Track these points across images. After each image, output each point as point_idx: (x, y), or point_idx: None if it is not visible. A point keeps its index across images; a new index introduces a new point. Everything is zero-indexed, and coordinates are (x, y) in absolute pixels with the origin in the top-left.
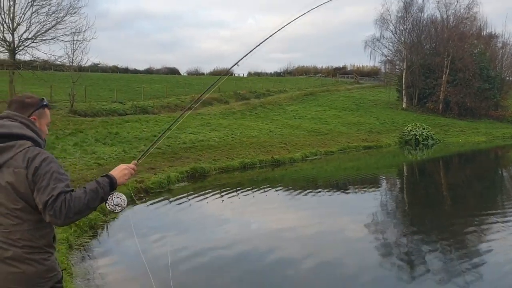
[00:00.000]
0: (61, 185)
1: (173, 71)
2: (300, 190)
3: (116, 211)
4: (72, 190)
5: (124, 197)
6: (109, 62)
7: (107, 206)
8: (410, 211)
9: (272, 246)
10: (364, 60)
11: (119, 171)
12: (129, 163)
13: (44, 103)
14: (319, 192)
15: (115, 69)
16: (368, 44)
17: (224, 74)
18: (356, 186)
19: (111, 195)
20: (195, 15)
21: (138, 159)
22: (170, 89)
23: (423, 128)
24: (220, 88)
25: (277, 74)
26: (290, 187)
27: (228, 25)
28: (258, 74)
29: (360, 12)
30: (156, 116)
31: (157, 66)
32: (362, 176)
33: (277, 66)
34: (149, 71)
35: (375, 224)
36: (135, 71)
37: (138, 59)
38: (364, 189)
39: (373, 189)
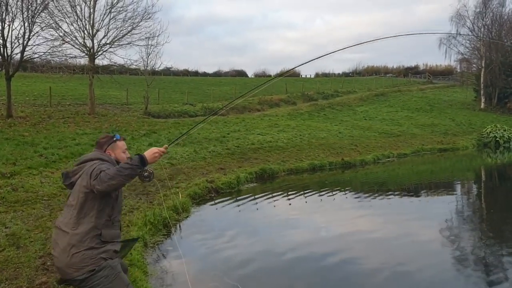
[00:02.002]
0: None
1: (241, 73)
2: (370, 194)
3: (146, 181)
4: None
5: (152, 171)
6: (180, 65)
7: (140, 177)
8: (489, 217)
9: (341, 251)
10: (437, 59)
11: (151, 153)
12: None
13: (114, 139)
14: (390, 196)
15: (185, 73)
16: (443, 42)
17: (279, 75)
18: (429, 191)
19: (143, 170)
20: (264, 17)
21: (169, 145)
22: (238, 91)
23: (504, 130)
24: (288, 89)
25: (346, 74)
26: (360, 190)
27: (296, 26)
28: (325, 75)
29: (433, 9)
30: (225, 117)
31: (225, 68)
32: (436, 180)
33: (345, 66)
34: (217, 74)
35: (450, 231)
36: (205, 74)
37: (208, 63)
38: (438, 194)
39: (447, 194)
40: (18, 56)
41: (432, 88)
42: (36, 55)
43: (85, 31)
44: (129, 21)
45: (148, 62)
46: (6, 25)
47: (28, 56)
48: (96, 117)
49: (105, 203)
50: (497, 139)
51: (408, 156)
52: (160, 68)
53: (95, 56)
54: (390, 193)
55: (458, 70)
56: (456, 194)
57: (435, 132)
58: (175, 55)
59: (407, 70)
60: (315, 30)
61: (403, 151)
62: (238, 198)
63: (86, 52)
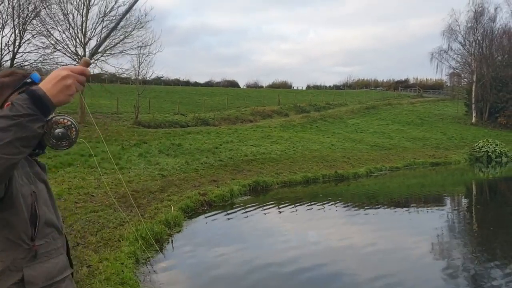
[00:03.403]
0: None
1: (233, 84)
2: (360, 206)
3: (61, 148)
4: None
5: (69, 120)
6: (172, 75)
7: (46, 143)
8: (479, 232)
9: (333, 264)
10: (427, 73)
11: (53, 79)
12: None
13: (29, 80)
14: (379, 209)
15: (177, 82)
16: (434, 56)
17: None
18: (419, 204)
19: (48, 123)
20: (258, 29)
21: (91, 56)
22: (230, 101)
23: (496, 145)
24: (280, 101)
25: (336, 87)
26: (351, 203)
27: (290, 38)
28: (317, 87)
29: (425, 24)
30: (217, 128)
31: (217, 79)
32: (427, 193)
33: (336, 79)
34: (209, 84)
35: (440, 245)
36: (196, 84)
37: (200, 72)
38: (429, 208)
39: (438, 207)
40: (8, 63)
41: (422, 102)
42: (26, 63)
43: (77, 39)
44: (122, 30)
45: (140, 71)
46: None
47: (18, 63)
48: (86, 126)
49: (9, 214)
50: (489, 153)
51: (400, 169)
52: (152, 77)
53: None
54: (381, 206)
55: (449, 84)
56: (447, 208)
57: (427, 146)
58: (166, 64)
59: (397, 83)
60: (308, 42)
61: (395, 164)
62: (231, 211)
63: (77, 60)
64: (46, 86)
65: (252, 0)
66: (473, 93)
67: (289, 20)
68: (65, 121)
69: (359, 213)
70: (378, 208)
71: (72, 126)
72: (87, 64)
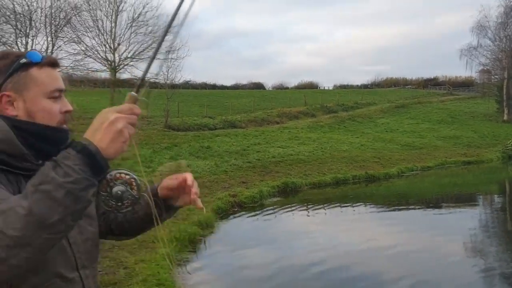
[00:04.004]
0: None
1: (259, 86)
2: (392, 207)
3: (124, 209)
4: None
5: (127, 173)
6: (199, 79)
7: (105, 206)
8: None
9: (362, 264)
10: (457, 70)
11: (99, 125)
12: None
13: (23, 61)
14: (410, 209)
15: (204, 86)
16: (464, 53)
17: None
18: (452, 204)
19: (103, 182)
20: (283, 30)
21: (137, 91)
22: (257, 103)
23: None
24: (306, 101)
25: (365, 86)
26: (382, 204)
27: (315, 39)
28: (344, 87)
29: (453, 21)
30: (244, 130)
31: (243, 81)
32: (459, 193)
33: (364, 78)
34: (235, 87)
35: (473, 245)
36: (223, 87)
37: (227, 76)
38: (461, 207)
39: (470, 207)
40: None
41: (452, 100)
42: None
43: (107, 45)
44: (150, 34)
45: (168, 75)
46: (29, 39)
47: None
48: None
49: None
50: None
51: (432, 169)
52: (180, 81)
53: (117, 70)
54: (412, 207)
55: (479, 81)
56: (480, 208)
57: (458, 144)
58: (194, 68)
59: (426, 81)
60: (334, 42)
61: (426, 163)
62: (260, 212)
63: (108, 66)
64: (95, 136)
65: (276, 1)
66: (504, 90)
67: (314, 20)
68: (123, 175)
69: (390, 214)
70: (410, 209)
71: (132, 179)
72: (135, 100)
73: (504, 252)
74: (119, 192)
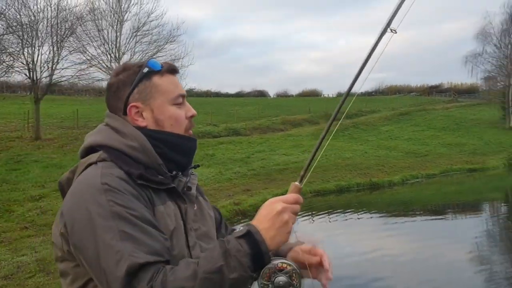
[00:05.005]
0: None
1: (262, 94)
2: (396, 215)
3: None
4: (160, 263)
5: (289, 264)
6: (203, 86)
7: None
8: None
9: (370, 273)
10: (461, 77)
11: (267, 215)
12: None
13: (145, 70)
14: (415, 217)
15: (208, 93)
16: (468, 60)
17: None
18: (456, 212)
19: (265, 271)
20: (287, 39)
21: (301, 181)
22: (261, 111)
23: None
24: (310, 109)
25: (368, 93)
26: (386, 212)
27: (318, 47)
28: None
29: (457, 28)
30: (248, 137)
31: (247, 89)
32: (464, 201)
33: (367, 85)
34: (239, 94)
35: (479, 253)
36: (227, 95)
37: (230, 83)
38: (466, 215)
39: (475, 215)
40: (47, 79)
41: (457, 107)
42: (63, 78)
43: (111, 54)
44: (155, 43)
45: None
46: (35, 49)
47: (56, 79)
48: None
49: None
50: None
51: (436, 176)
52: (185, 89)
53: None
54: (417, 214)
55: (484, 88)
56: (485, 215)
57: (463, 152)
58: (198, 76)
59: (430, 88)
60: (338, 50)
61: (431, 171)
62: None
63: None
64: (263, 227)
65: (280, 10)
66: (509, 97)
67: (318, 28)
68: (285, 265)
69: (394, 222)
70: (414, 216)
71: (294, 271)
72: (299, 190)
73: (510, 260)
74: (281, 282)
